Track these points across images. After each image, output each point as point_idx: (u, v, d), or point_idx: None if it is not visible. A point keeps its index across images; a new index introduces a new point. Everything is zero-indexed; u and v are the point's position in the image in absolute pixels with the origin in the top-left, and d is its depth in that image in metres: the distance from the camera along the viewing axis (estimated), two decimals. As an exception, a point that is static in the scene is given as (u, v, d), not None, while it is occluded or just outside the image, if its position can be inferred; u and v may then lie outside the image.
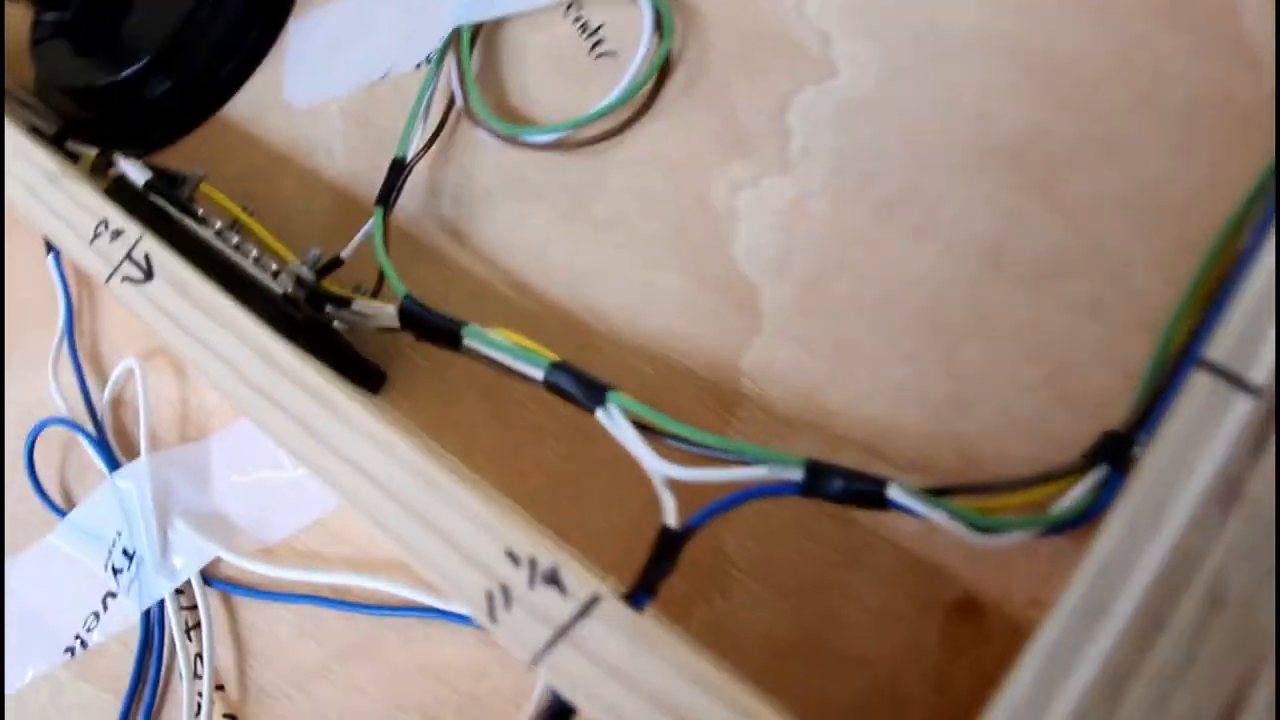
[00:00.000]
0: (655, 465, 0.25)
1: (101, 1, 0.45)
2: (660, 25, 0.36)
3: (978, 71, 0.31)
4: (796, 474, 0.24)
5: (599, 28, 0.37)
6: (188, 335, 0.30)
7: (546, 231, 0.35)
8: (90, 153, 0.43)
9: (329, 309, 0.34)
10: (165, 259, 0.32)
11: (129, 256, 0.32)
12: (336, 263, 0.35)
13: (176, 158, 0.45)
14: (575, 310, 0.33)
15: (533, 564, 0.23)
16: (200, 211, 0.36)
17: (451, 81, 0.38)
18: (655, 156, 0.34)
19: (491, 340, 0.30)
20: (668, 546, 0.25)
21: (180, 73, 0.44)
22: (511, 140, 0.36)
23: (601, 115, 0.35)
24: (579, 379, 0.28)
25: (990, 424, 0.27)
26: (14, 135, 0.37)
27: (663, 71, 0.35)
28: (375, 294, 0.36)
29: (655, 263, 0.33)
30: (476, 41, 0.39)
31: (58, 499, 0.40)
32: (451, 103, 0.38)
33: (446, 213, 0.37)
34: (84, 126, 0.45)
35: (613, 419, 0.27)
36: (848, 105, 0.32)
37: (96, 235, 0.33)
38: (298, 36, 0.44)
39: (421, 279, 0.36)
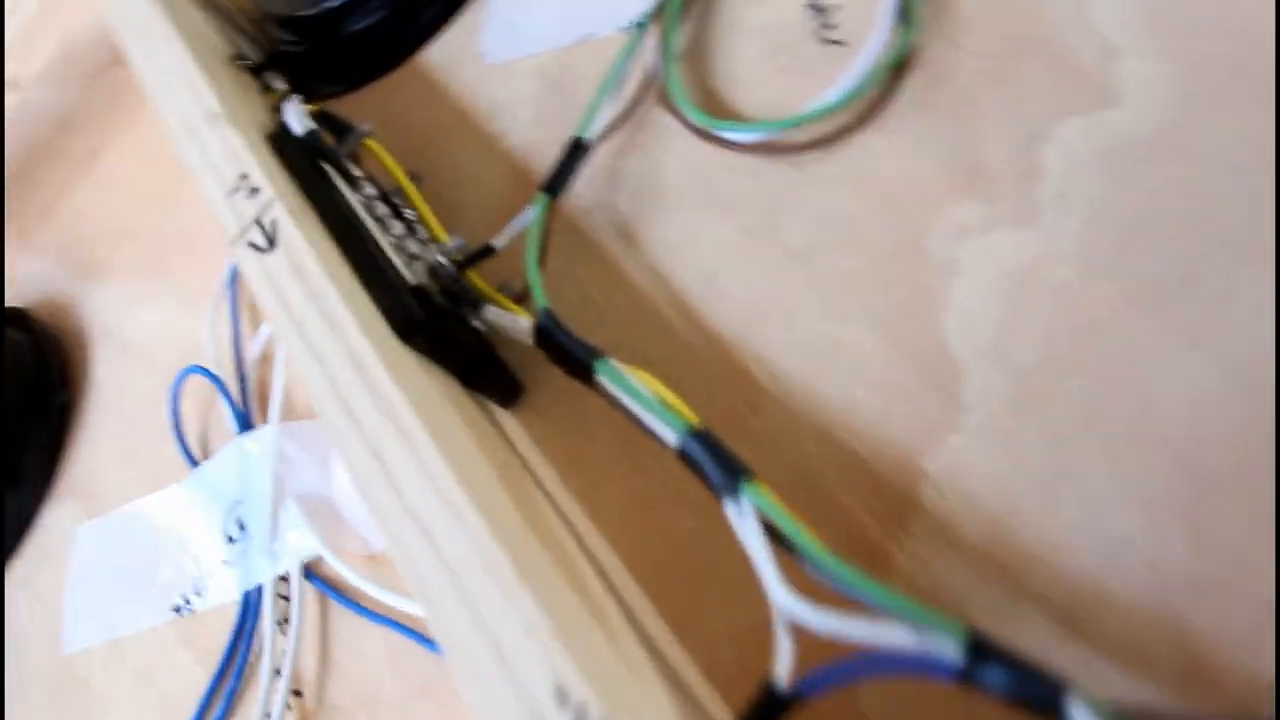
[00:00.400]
0: (779, 596, 0.20)
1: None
2: (906, 12, 0.29)
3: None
4: (953, 652, 0.18)
5: (836, 8, 0.31)
6: (289, 320, 0.27)
7: (726, 250, 0.29)
8: (282, 89, 0.41)
9: (466, 308, 0.29)
10: (291, 230, 0.28)
11: (258, 220, 0.29)
12: (487, 251, 0.31)
13: (366, 103, 0.41)
14: (741, 353, 0.28)
15: (581, 713, 0.18)
16: (358, 172, 0.33)
17: (652, 54, 0.32)
18: (870, 178, 0.28)
19: (628, 385, 0.24)
20: (768, 708, 0.19)
21: (380, 6, 0.40)
22: (706, 135, 0.30)
23: (816, 118, 0.29)
24: (716, 455, 0.22)
25: (1234, 623, 0.20)
26: (187, 67, 0.35)
27: (897, 71, 0.28)
28: (523, 298, 0.31)
29: (845, 312, 0.27)
30: (691, 8, 0.33)
31: (194, 447, 0.38)
32: (650, 80, 0.32)
33: (623, 208, 0.32)
34: (288, 60, 0.43)
35: (743, 517, 0.21)
36: (1125, 146, 0.25)
37: (235, 189, 0.30)
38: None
39: (581, 283, 0.31)
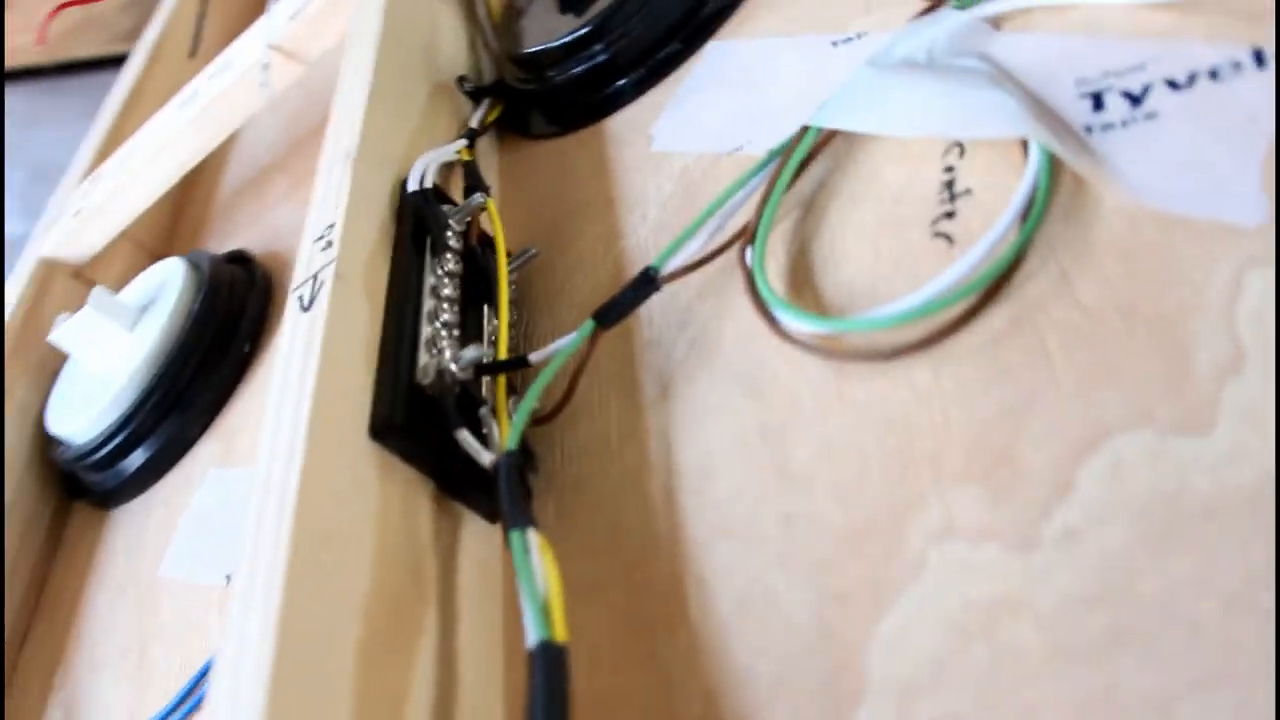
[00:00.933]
0: None
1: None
2: (1029, 210, 0.24)
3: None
4: None
5: (963, 193, 0.26)
6: (278, 385, 0.27)
7: (734, 444, 0.26)
8: (489, 117, 0.41)
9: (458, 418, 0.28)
10: (325, 300, 0.28)
11: (314, 276, 0.30)
12: (520, 362, 0.30)
13: (553, 153, 0.41)
14: (692, 568, 0.25)
15: None
16: (454, 243, 0.32)
17: (751, 202, 0.29)
18: (895, 419, 0.24)
19: (527, 569, 0.23)
20: None
21: (599, 54, 0.39)
22: (762, 310, 0.27)
23: (875, 327, 0.25)
24: (550, 684, 0.20)
25: None
26: (355, 98, 0.36)
27: (989, 291, 0.23)
28: (545, 419, 0.30)
29: (798, 569, 0.23)
30: (819, 154, 0.29)
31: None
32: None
33: (678, 354, 0.29)
34: (510, 94, 0.43)
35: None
36: (1177, 496, 0.19)
37: (320, 236, 0.31)
38: (704, 61, 0.37)
39: (608, 419, 0.29)
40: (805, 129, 0.29)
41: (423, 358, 0.29)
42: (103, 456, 0.46)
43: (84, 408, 0.46)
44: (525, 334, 0.34)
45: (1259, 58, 0.24)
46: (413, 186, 0.33)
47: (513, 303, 0.34)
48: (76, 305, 0.47)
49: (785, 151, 0.29)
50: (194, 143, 0.54)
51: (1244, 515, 0.18)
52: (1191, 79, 0.24)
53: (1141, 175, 0.23)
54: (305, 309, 0.29)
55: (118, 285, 0.56)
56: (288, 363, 0.27)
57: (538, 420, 0.30)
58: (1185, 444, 0.19)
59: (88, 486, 0.47)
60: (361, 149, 0.33)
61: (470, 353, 0.29)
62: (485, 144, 0.42)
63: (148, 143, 0.56)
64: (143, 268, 0.56)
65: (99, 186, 0.57)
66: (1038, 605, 0.19)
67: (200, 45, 0.56)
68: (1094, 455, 0.20)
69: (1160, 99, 0.25)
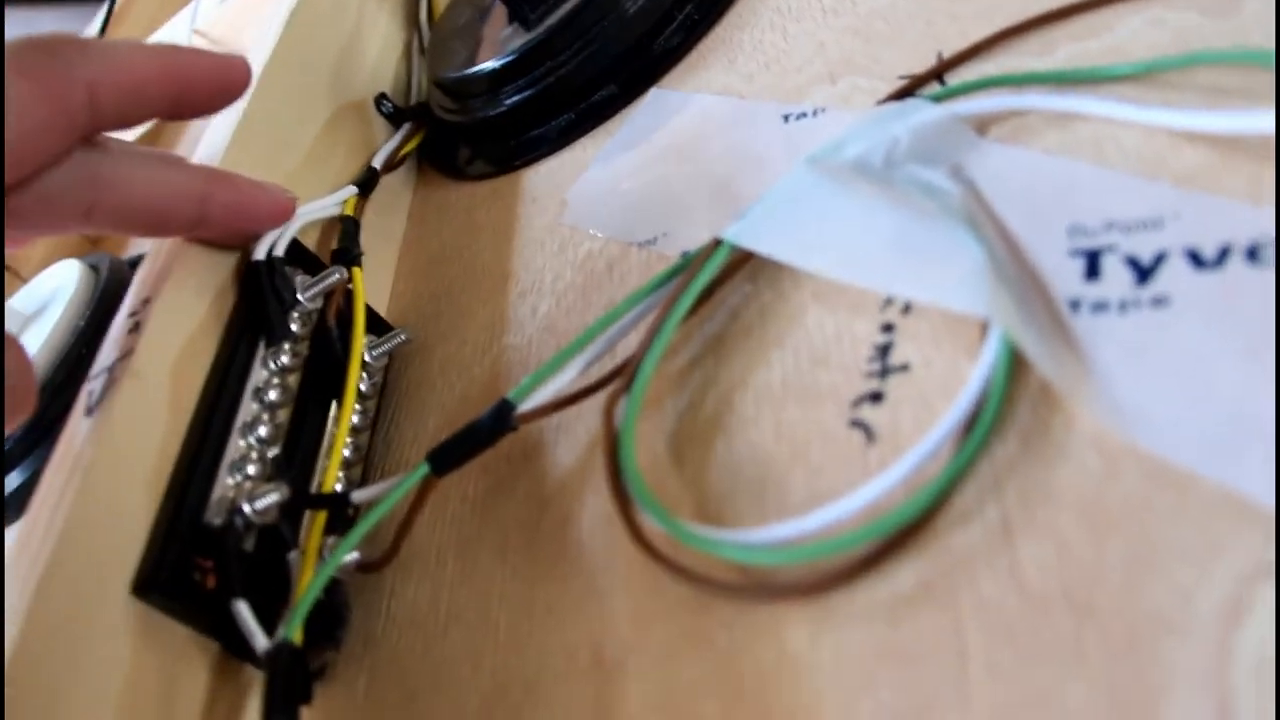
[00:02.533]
0: None
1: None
2: (974, 423, 0.17)
3: None
4: None
5: (898, 368, 0.19)
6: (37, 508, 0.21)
7: (560, 660, 0.20)
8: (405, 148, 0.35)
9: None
10: (117, 403, 0.22)
11: (109, 368, 0.24)
12: (339, 501, 0.24)
13: (454, 200, 0.34)
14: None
15: None
16: (294, 327, 0.26)
17: (655, 323, 0.22)
18: (748, 681, 0.17)
19: None
20: None
21: (527, 86, 0.33)
22: (620, 497, 0.20)
23: (750, 559, 0.18)
24: None
25: None
26: (227, 119, 0.29)
27: (902, 535, 0.17)
28: (372, 567, 0.24)
29: None
30: (731, 278, 0.23)
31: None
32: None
33: (528, 512, 0.23)
34: (434, 123, 0.37)
35: None
36: None
37: (133, 312, 0.25)
38: (642, 110, 0.31)
39: (433, 589, 0.24)
40: (717, 242, 0.22)
41: (221, 486, 0.23)
42: (-29, 481, 0.41)
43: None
44: (384, 437, 0.28)
45: (1319, 237, 0.17)
46: (258, 254, 0.26)
47: (366, 397, 0.28)
48: (-10, 292, 0.42)
49: (690, 268, 0.22)
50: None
51: None
52: (1223, 255, 0.18)
53: (1134, 394, 0.17)
54: (88, 412, 0.23)
55: (36, 272, 0.51)
56: (51, 481, 0.22)
57: (365, 566, 0.24)
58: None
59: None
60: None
61: (271, 496, 0.22)
62: (399, 178, 0.36)
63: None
64: (75, 250, 0.51)
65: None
66: None
67: (119, 25, 0.49)
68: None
69: (1176, 277, 0.18)
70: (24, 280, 0.54)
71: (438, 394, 0.28)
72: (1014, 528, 0.16)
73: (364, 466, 0.27)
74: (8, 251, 0.53)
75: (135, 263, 0.46)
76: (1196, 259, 0.18)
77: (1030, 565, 0.16)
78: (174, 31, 0.46)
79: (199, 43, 0.44)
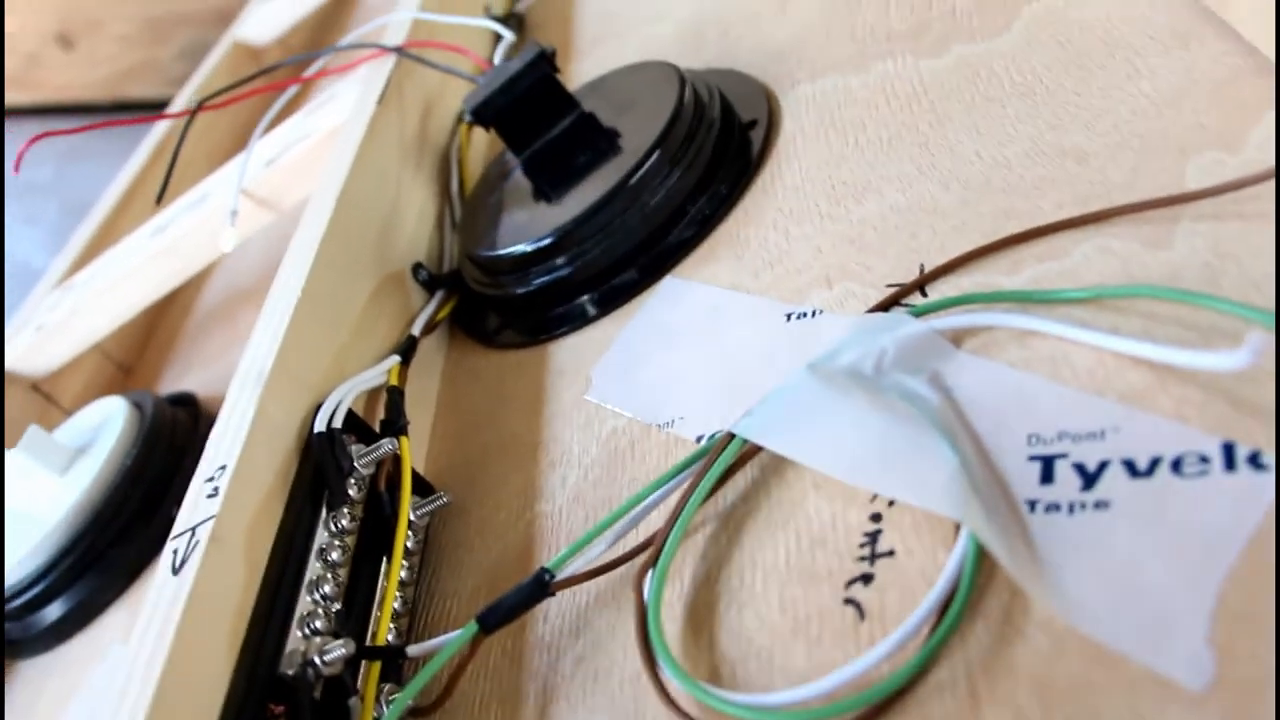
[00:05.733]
0: None
1: (555, 155, 0.39)
2: (947, 607, 0.21)
3: None
4: None
5: (885, 554, 0.23)
6: (130, 663, 0.24)
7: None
8: (439, 315, 0.39)
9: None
10: (199, 565, 0.26)
11: (192, 530, 0.27)
12: (396, 654, 0.27)
13: (485, 366, 0.38)
14: None
15: None
16: (353, 492, 0.29)
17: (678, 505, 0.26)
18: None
19: None
20: None
21: (562, 267, 0.37)
22: (648, 656, 0.24)
23: (757, 716, 0.21)
24: None
25: None
26: (289, 298, 0.33)
27: (889, 702, 0.20)
28: (429, 711, 0.27)
29: None
30: (747, 462, 0.26)
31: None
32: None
33: (564, 669, 0.26)
34: (468, 294, 0.41)
35: None
36: None
37: (210, 478, 0.28)
38: (658, 295, 0.35)
39: (483, 729, 0.26)
40: (731, 436, 0.26)
41: (293, 639, 0.26)
42: (16, 606, 0.44)
43: (7, 550, 0.44)
44: (427, 589, 0.31)
45: (1229, 455, 0.21)
46: (319, 426, 0.30)
47: (417, 552, 0.31)
48: (31, 420, 0.45)
49: (709, 457, 0.26)
50: (160, 273, 0.52)
51: None
52: (1153, 466, 0.21)
53: (1077, 587, 0.20)
54: (175, 571, 0.26)
55: (79, 399, 0.54)
56: (143, 634, 0.25)
57: (417, 712, 0.27)
58: None
59: (-3, 630, 0.45)
60: (274, 373, 0.31)
61: (338, 651, 0.26)
62: (433, 342, 0.40)
63: (117, 265, 0.54)
64: (109, 382, 0.54)
65: (66, 301, 0.55)
66: None
67: (175, 178, 0.54)
68: None
69: (1115, 483, 0.21)
70: (64, 409, 0.58)
71: (475, 555, 0.31)
72: (980, 698, 0.20)
73: (410, 619, 0.30)
74: (43, 379, 0.56)
75: (175, 400, 0.50)
76: (1132, 468, 0.21)
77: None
78: (221, 187, 0.50)
79: (245, 203, 0.48)
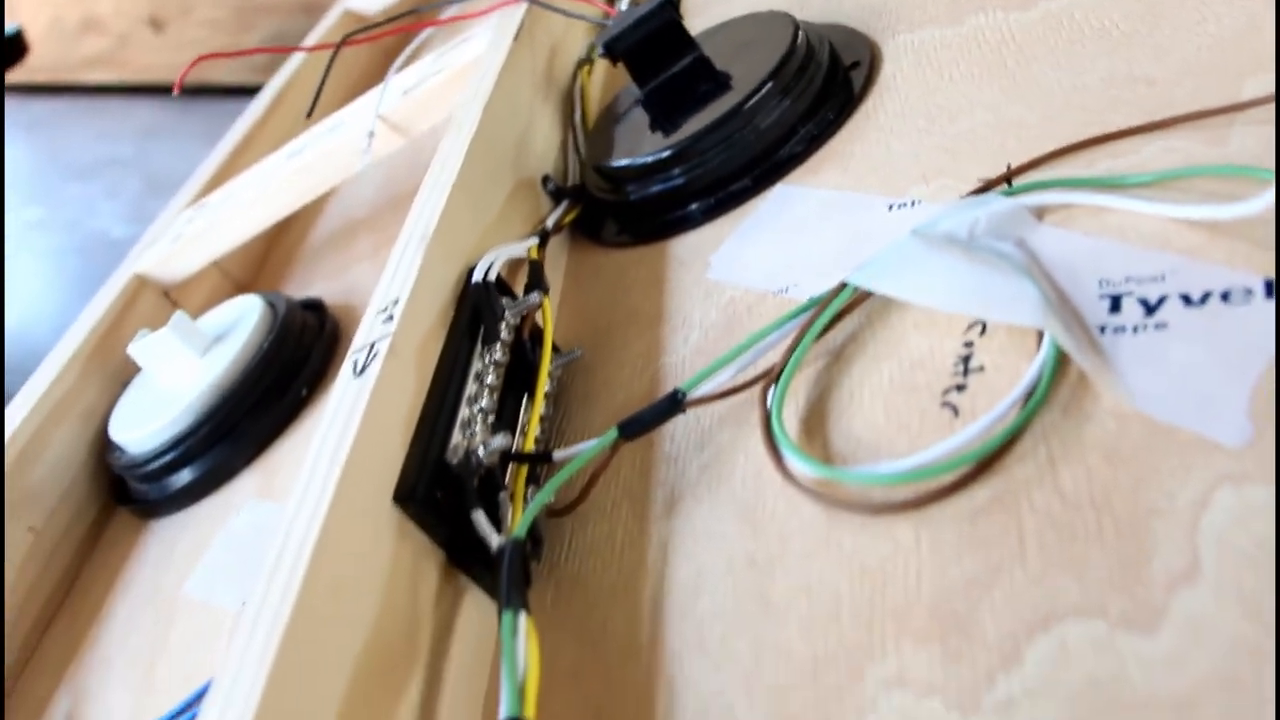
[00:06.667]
0: None
1: (673, 90, 0.45)
2: (1030, 396, 0.25)
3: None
4: None
5: (976, 369, 0.28)
6: (322, 439, 0.29)
7: (725, 567, 0.28)
8: (565, 219, 0.44)
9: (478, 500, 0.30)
10: (378, 368, 0.31)
11: (371, 345, 0.32)
12: (544, 457, 0.32)
13: (620, 261, 0.43)
14: (663, 677, 0.26)
15: None
16: (505, 335, 0.34)
17: (783, 344, 0.31)
18: (873, 572, 0.25)
19: (510, 647, 0.24)
20: None
21: (678, 176, 0.42)
22: (772, 448, 0.29)
23: (872, 482, 0.26)
24: None
25: None
26: (441, 185, 0.38)
27: (978, 469, 0.25)
28: (563, 512, 0.31)
29: (758, 692, 0.24)
30: (854, 309, 0.31)
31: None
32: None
33: (690, 475, 0.31)
34: (591, 202, 0.46)
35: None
36: (1115, 689, 0.20)
37: (383, 309, 0.33)
38: (770, 201, 0.40)
39: (616, 523, 0.31)
40: (843, 284, 0.31)
41: (455, 437, 0.31)
42: (154, 469, 0.49)
43: (145, 421, 0.49)
44: (557, 428, 0.36)
45: (1269, 288, 0.25)
46: (477, 278, 0.35)
47: (550, 397, 0.36)
48: (159, 323, 0.50)
49: (822, 303, 0.31)
50: (293, 192, 0.58)
51: (1169, 716, 0.19)
52: (1205, 297, 0.26)
53: (1140, 381, 0.25)
54: (357, 374, 0.31)
55: (200, 310, 0.59)
56: (332, 419, 0.30)
57: (553, 512, 0.32)
58: (1129, 640, 0.21)
59: (134, 495, 0.50)
60: (436, 235, 0.36)
61: (498, 441, 0.31)
62: (557, 243, 0.45)
63: (253, 184, 0.60)
64: (227, 297, 0.59)
65: (201, 216, 0.61)
66: (965, 771, 0.20)
67: (317, 108, 0.59)
68: (1044, 635, 0.22)
69: (1172, 311, 0.26)
70: (192, 310, 0.63)
71: (602, 400, 0.36)
72: (1056, 461, 0.24)
73: (545, 448, 0.35)
74: (175, 287, 0.62)
75: (307, 304, 0.55)
76: (1187, 299, 0.26)
77: (1068, 483, 0.24)
78: (359, 114, 0.55)
79: (380, 128, 0.54)
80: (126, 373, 0.53)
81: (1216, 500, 0.22)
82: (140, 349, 0.50)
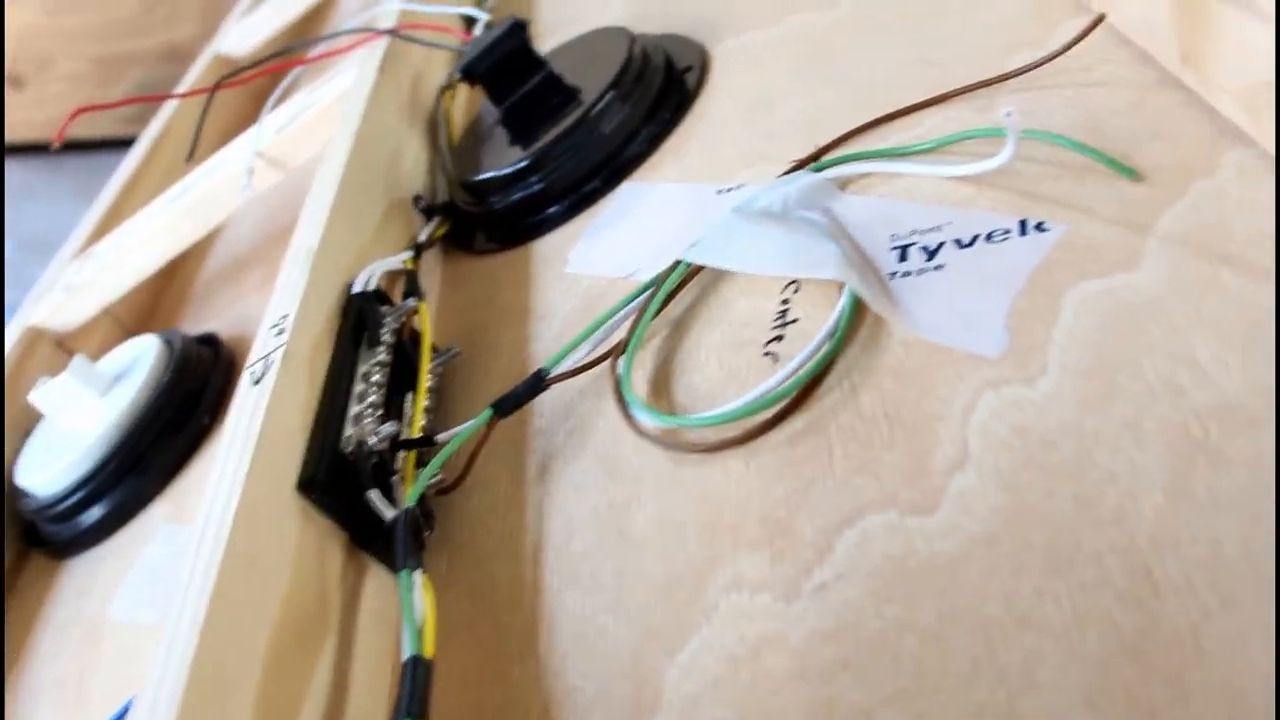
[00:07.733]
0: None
1: (527, 106, 0.49)
2: (833, 334, 0.30)
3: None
4: None
5: (792, 321, 0.32)
6: (228, 443, 0.32)
7: (590, 515, 0.31)
8: (436, 233, 0.47)
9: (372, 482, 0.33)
10: (275, 375, 0.34)
11: (265, 356, 0.35)
12: (427, 440, 0.35)
13: (489, 267, 0.47)
14: (544, 609, 0.30)
15: None
16: (388, 337, 0.38)
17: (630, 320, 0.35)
18: (712, 498, 0.29)
19: (407, 598, 0.28)
20: None
21: (535, 183, 0.46)
22: (624, 409, 0.32)
23: (705, 424, 0.30)
24: (414, 688, 0.25)
25: None
26: (323, 202, 0.42)
27: (792, 403, 0.29)
28: (448, 490, 0.35)
29: (622, 608, 0.28)
30: (689, 283, 0.35)
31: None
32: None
33: (558, 441, 0.35)
34: (458, 215, 0.49)
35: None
36: (904, 560, 0.24)
37: (275, 324, 0.37)
38: (617, 198, 0.44)
39: (498, 493, 0.35)
40: (677, 262, 0.35)
41: (348, 430, 0.34)
42: (64, 509, 0.50)
43: (51, 463, 0.50)
44: (440, 417, 0.40)
45: (1023, 226, 0.30)
46: (357, 289, 0.39)
47: (433, 391, 0.40)
48: (56, 371, 0.52)
49: (657, 281, 0.35)
50: (179, 233, 0.60)
51: (944, 574, 0.23)
52: (974, 239, 0.31)
53: (921, 313, 0.29)
54: (255, 383, 0.34)
55: (95, 356, 0.61)
56: (235, 424, 0.33)
57: (441, 490, 0.35)
58: (915, 521, 0.25)
59: (46, 537, 0.52)
60: (319, 253, 0.39)
61: (387, 429, 0.34)
62: (432, 256, 0.49)
63: (139, 229, 0.62)
64: (119, 343, 0.61)
65: (89, 265, 0.63)
66: (790, 640, 0.24)
67: (197, 151, 0.62)
68: (849, 528, 0.26)
69: (948, 254, 0.31)
70: (87, 356, 0.65)
71: (482, 388, 0.40)
72: (858, 388, 0.29)
73: (431, 434, 0.39)
74: (69, 336, 0.63)
75: (202, 339, 0.57)
76: (959, 243, 0.31)
77: (866, 404, 0.28)
78: (236, 154, 0.58)
79: (259, 164, 0.57)
80: (27, 422, 0.55)
81: (982, 401, 0.26)
82: (41, 396, 0.51)
